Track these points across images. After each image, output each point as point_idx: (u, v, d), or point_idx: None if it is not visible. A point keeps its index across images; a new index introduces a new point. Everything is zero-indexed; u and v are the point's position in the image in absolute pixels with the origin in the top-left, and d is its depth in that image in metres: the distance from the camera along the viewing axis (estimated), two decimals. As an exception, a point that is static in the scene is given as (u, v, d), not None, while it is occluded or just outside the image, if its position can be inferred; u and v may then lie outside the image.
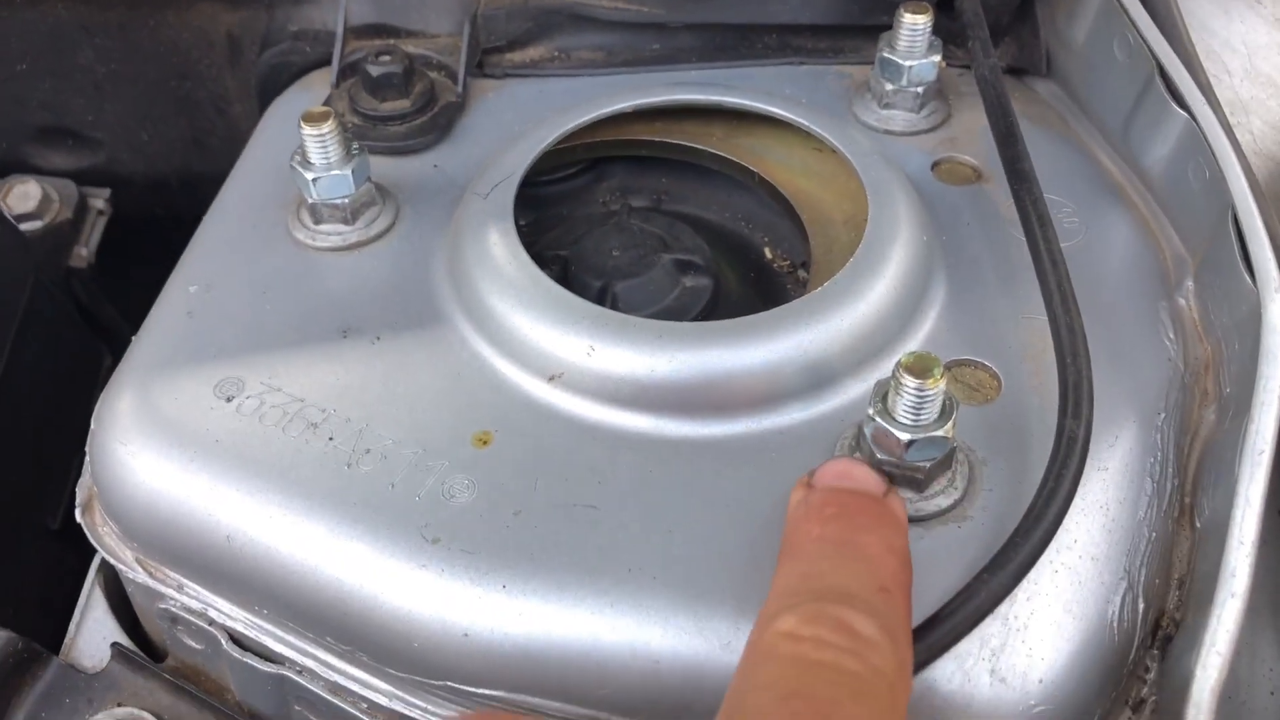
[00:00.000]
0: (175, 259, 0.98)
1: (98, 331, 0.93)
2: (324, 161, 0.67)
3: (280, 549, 0.57)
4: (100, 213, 0.91)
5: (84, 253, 0.89)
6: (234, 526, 0.58)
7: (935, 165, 0.74)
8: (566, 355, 0.60)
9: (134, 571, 0.63)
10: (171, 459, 0.60)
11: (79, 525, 0.91)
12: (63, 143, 0.93)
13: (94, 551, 0.96)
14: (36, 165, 0.94)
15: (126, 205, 0.95)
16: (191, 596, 0.61)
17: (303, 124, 0.66)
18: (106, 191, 0.92)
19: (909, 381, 0.52)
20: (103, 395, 0.65)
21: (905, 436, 0.52)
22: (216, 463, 0.59)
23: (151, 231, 0.99)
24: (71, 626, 0.69)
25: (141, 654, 0.66)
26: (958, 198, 0.72)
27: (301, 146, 0.67)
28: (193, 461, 0.60)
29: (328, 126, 0.66)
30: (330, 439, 0.60)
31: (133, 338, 0.70)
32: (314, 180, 0.67)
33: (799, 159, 0.75)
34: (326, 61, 0.83)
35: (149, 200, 0.97)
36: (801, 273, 0.75)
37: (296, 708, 0.63)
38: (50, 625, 0.91)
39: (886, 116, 0.76)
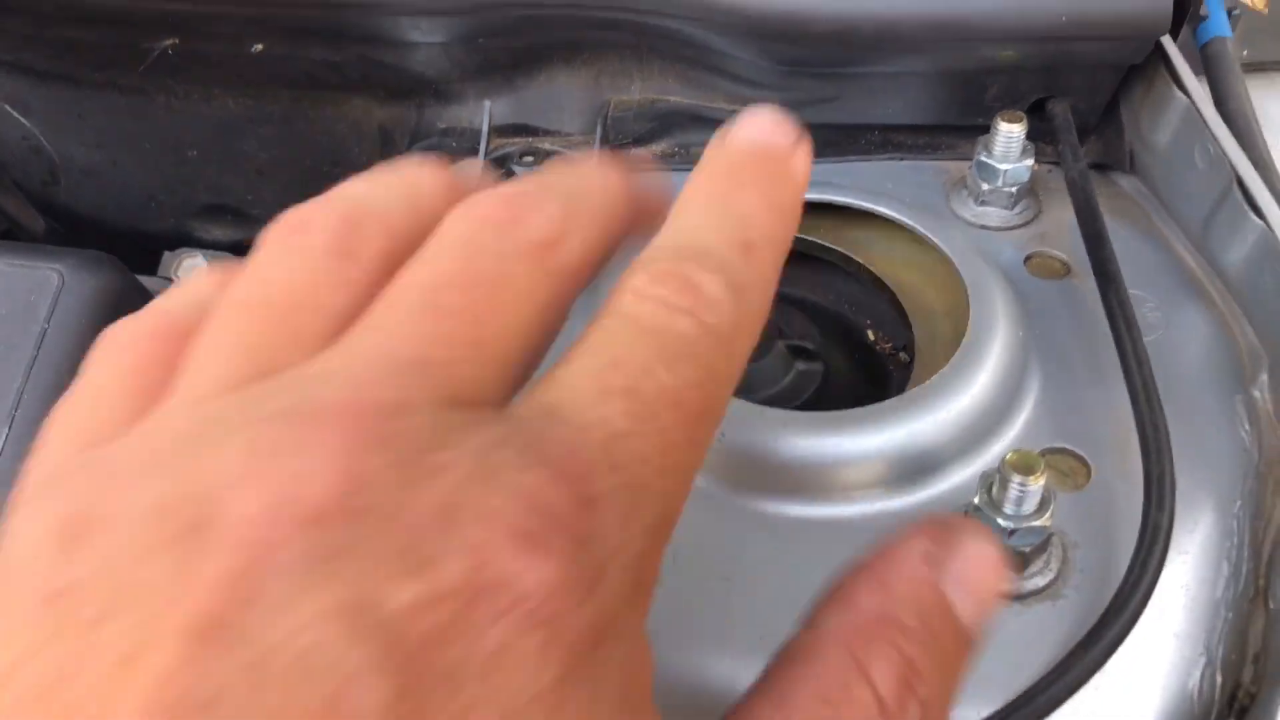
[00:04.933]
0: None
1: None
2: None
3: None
4: (257, 283, 1.00)
5: (243, 320, 0.99)
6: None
7: (1027, 259, 0.81)
8: (700, 440, 0.68)
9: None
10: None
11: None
12: (223, 218, 1.03)
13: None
14: (199, 238, 1.04)
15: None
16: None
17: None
18: (263, 264, 1.01)
19: (1014, 477, 0.59)
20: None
21: (1009, 525, 0.60)
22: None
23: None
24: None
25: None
26: (1048, 291, 0.79)
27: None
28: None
29: (486, 229, 0.75)
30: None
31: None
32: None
33: (901, 252, 0.83)
34: (469, 154, 0.92)
35: (297, 270, 1.07)
36: (903, 355, 0.82)
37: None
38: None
39: (982, 213, 0.83)
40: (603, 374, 0.33)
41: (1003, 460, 0.60)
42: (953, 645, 0.38)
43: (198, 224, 1.04)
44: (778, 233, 0.41)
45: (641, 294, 0.35)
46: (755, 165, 0.42)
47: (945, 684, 0.38)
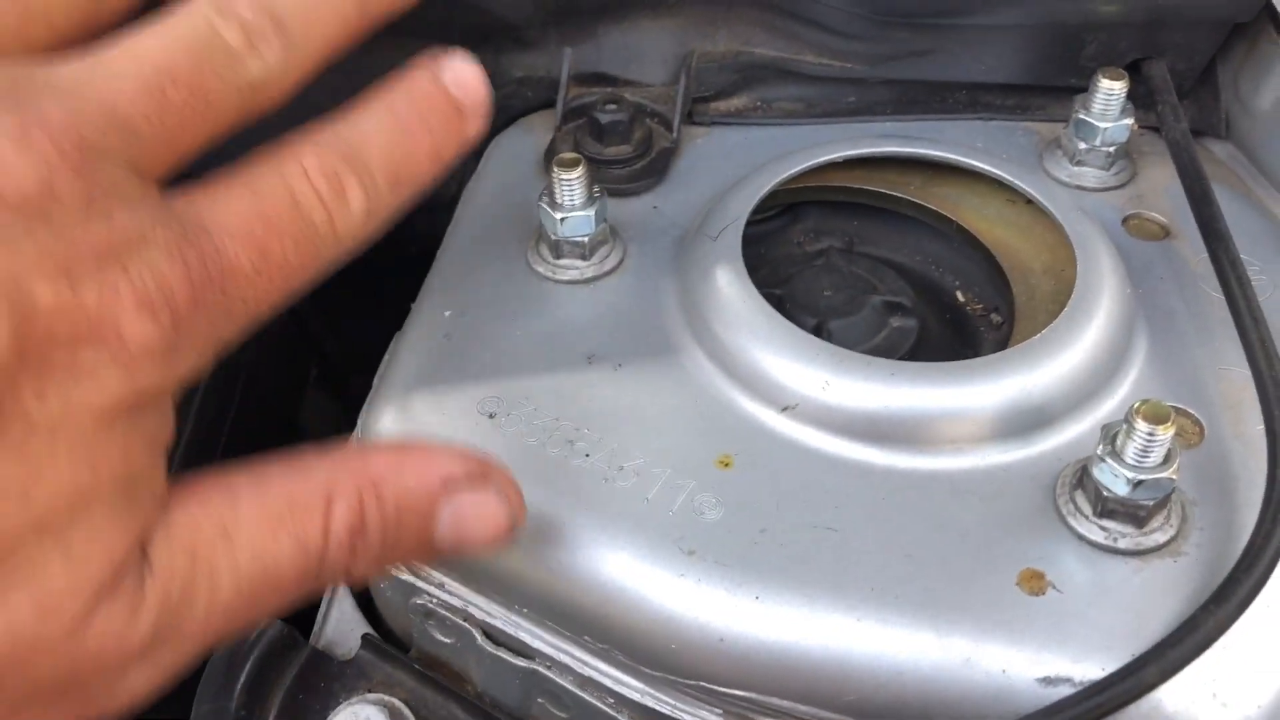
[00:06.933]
0: (377, 276, 1.05)
1: (307, 340, 1.01)
2: (570, 202, 0.73)
3: (545, 552, 0.63)
4: (318, 234, 0.98)
5: (305, 271, 0.97)
6: (502, 532, 0.64)
7: (1125, 220, 0.79)
8: (802, 388, 0.66)
9: (397, 569, 0.69)
10: (442, 468, 0.66)
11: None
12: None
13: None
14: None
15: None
16: (452, 594, 0.68)
17: (555, 168, 0.73)
18: (325, 214, 0.99)
19: (1141, 426, 0.57)
20: (366, 407, 0.72)
21: (1133, 476, 0.58)
22: (485, 474, 0.66)
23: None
24: (319, 618, 0.76)
25: (390, 645, 0.73)
26: (1148, 252, 0.77)
27: (550, 188, 0.74)
28: (463, 472, 0.66)
29: (578, 172, 0.73)
30: (587, 455, 0.66)
31: (385, 356, 0.77)
32: (561, 219, 0.74)
33: (994, 210, 0.81)
34: (543, 105, 0.90)
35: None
36: (995, 316, 0.80)
37: (539, 700, 0.69)
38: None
39: (1078, 173, 0.81)
40: (250, 217, 0.41)
41: (1130, 409, 0.58)
42: (410, 545, 0.48)
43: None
44: (418, 174, 0.47)
45: (307, 173, 0.42)
46: (447, 115, 0.47)
47: (382, 549, 0.47)
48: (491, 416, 0.68)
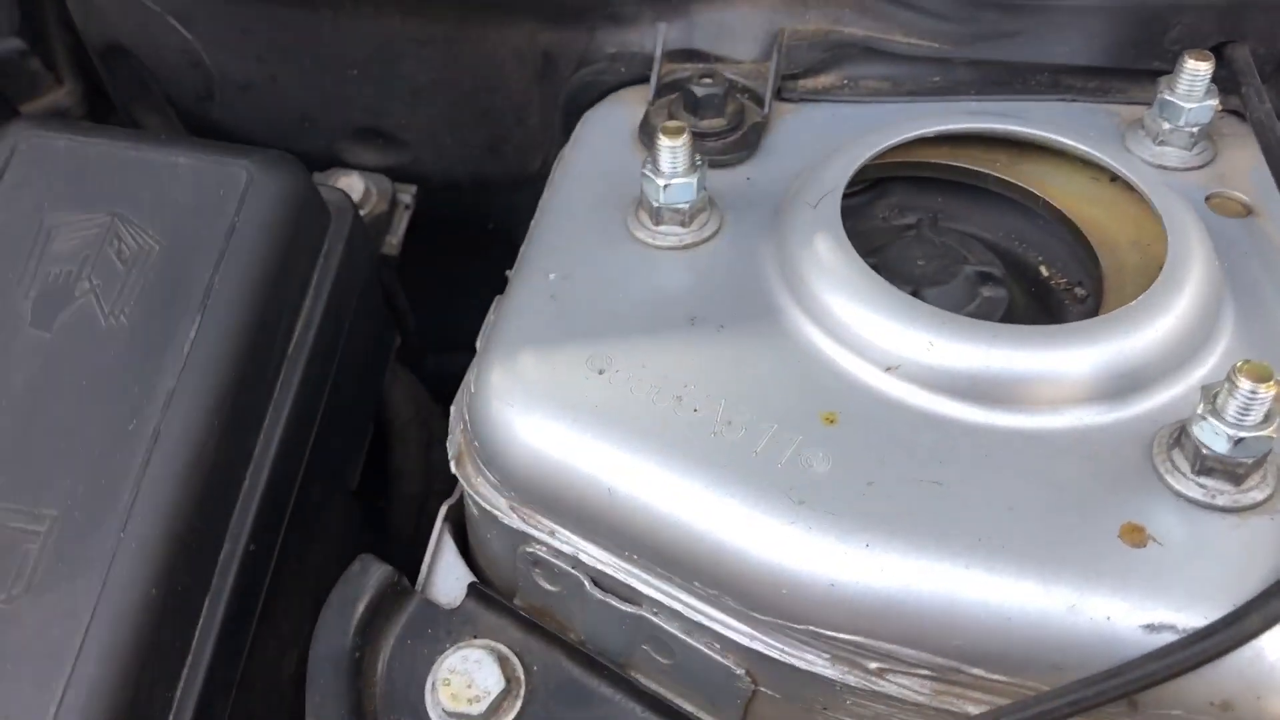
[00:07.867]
0: (456, 253, 1.08)
1: (394, 314, 1.04)
2: (673, 170, 0.76)
3: (658, 503, 0.66)
4: (406, 206, 1.01)
5: (394, 241, 1.00)
6: (615, 482, 0.67)
7: (1208, 199, 0.81)
8: (906, 350, 0.68)
9: (508, 517, 0.72)
10: (555, 420, 0.69)
11: (364, 486, 1.02)
12: (374, 143, 1.04)
13: (379, 508, 1.07)
14: (348, 161, 1.05)
15: (419, 202, 1.05)
16: (563, 542, 0.70)
17: (661, 136, 0.75)
18: (413, 188, 1.02)
19: (1244, 384, 0.59)
20: (475, 365, 0.75)
21: (1234, 434, 0.60)
22: (597, 425, 0.68)
23: (437, 228, 1.09)
24: (423, 568, 0.79)
25: (496, 593, 0.75)
26: (1231, 229, 0.79)
27: (654, 156, 0.76)
28: (575, 423, 0.68)
29: (682, 140, 0.75)
30: (695, 410, 0.68)
31: (489, 315, 0.80)
32: (664, 186, 0.76)
33: (1078, 187, 0.83)
34: (636, 81, 0.92)
35: (439, 199, 1.07)
36: (1079, 290, 0.82)
37: (644, 647, 0.71)
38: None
39: (1160, 153, 0.83)
40: None
41: (1233, 367, 0.60)
42: None
43: (348, 146, 1.04)
44: None
45: None
46: None
47: None
48: (600, 372, 0.70)
